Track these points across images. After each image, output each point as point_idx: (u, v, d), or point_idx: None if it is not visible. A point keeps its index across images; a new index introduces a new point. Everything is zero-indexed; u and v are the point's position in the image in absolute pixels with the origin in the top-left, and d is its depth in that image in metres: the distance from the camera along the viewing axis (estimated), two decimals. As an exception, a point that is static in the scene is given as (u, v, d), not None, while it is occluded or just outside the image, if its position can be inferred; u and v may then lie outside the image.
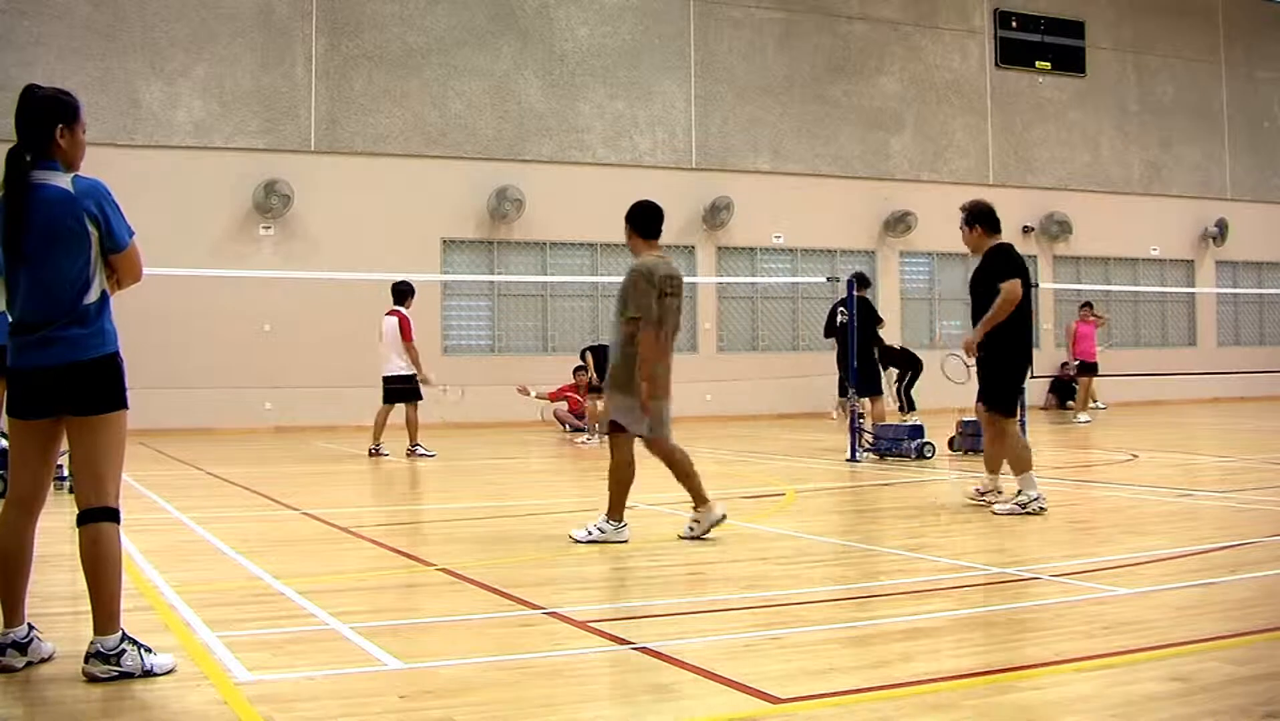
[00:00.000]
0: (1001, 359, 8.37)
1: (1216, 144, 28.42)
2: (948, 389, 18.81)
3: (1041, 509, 8.07)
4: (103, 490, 4.25)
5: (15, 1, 19.02)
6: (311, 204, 20.34)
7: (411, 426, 14.30)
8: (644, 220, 7.52)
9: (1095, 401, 22.51)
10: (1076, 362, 20.38)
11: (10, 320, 4.36)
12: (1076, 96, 26.84)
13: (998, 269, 8.38)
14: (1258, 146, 28.91)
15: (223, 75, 20.07)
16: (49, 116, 4.29)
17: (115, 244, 4.30)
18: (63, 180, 4.25)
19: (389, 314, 14.35)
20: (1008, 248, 8.56)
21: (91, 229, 4.25)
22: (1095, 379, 20.90)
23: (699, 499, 7.40)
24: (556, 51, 22.27)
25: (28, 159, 4.23)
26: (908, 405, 18.56)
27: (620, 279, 7.35)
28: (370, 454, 14.20)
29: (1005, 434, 8.46)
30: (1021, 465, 8.23)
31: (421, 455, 14.06)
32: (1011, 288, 8.22)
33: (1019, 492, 8.18)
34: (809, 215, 23.78)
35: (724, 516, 7.39)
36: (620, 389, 7.28)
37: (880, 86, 24.86)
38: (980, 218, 8.59)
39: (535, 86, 22.08)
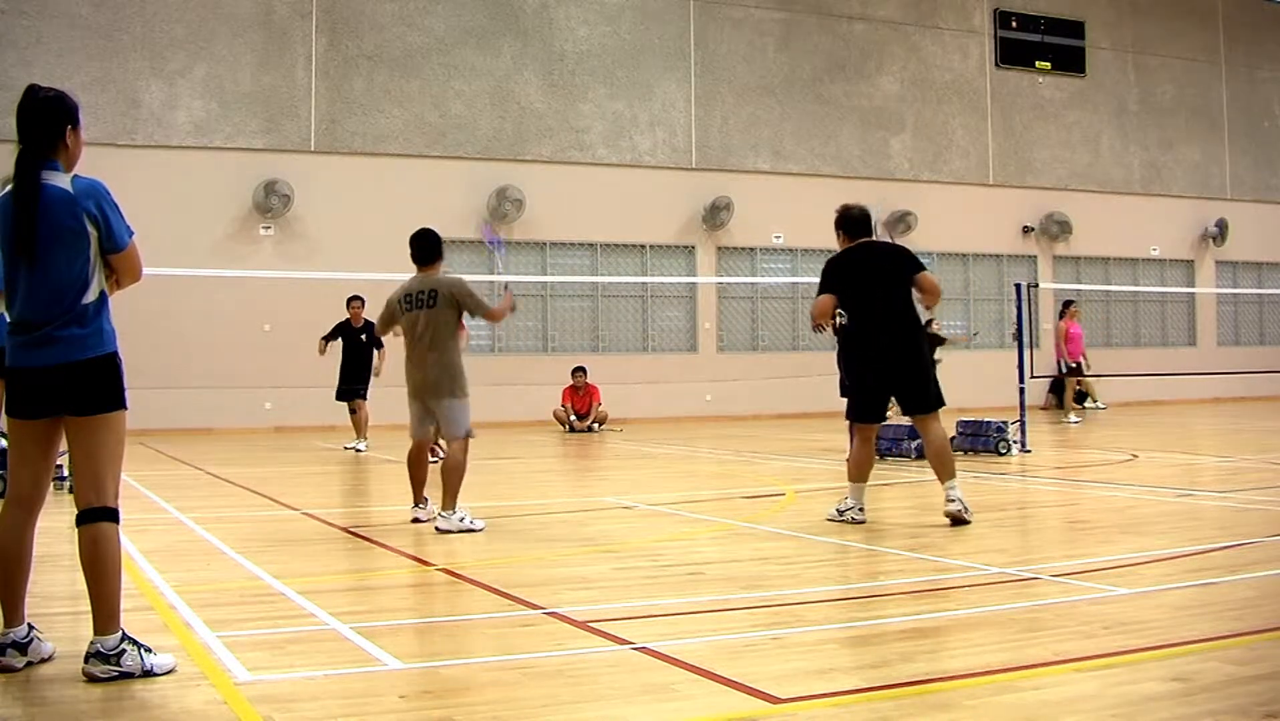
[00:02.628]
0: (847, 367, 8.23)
1: (1216, 144, 28.42)
2: (950, 390, 18.92)
3: (855, 520, 7.80)
4: (102, 490, 4.24)
5: (15, 1, 19.02)
6: (311, 204, 20.35)
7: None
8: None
9: (1096, 401, 22.47)
10: (1073, 364, 20.16)
11: (9, 320, 4.36)
12: (1076, 96, 26.84)
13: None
14: (1258, 146, 28.91)
15: (223, 75, 20.07)
16: (60, 117, 4.30)
17: (115, 244, 4.29)
18: (63, 180, 4.25)
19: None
20: (830, 259, 8.27)
21: (91, 229, 4.24)
22: (1094, 379, 20.87)
23: (451, 501, 7.95)
24: (556, 51, 22.27)
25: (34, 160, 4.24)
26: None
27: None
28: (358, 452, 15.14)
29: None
30: (850, 475, 8.05)
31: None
32: (814, 304, 8.18)
33: (845, 499, 8.02)
34: (809, 215, 23.67)
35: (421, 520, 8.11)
36: (453, 394, 8.10)
37: (880, 86, 24.85)
38: (837, 223, 8.31)
39: (535, 86, 22.08)
